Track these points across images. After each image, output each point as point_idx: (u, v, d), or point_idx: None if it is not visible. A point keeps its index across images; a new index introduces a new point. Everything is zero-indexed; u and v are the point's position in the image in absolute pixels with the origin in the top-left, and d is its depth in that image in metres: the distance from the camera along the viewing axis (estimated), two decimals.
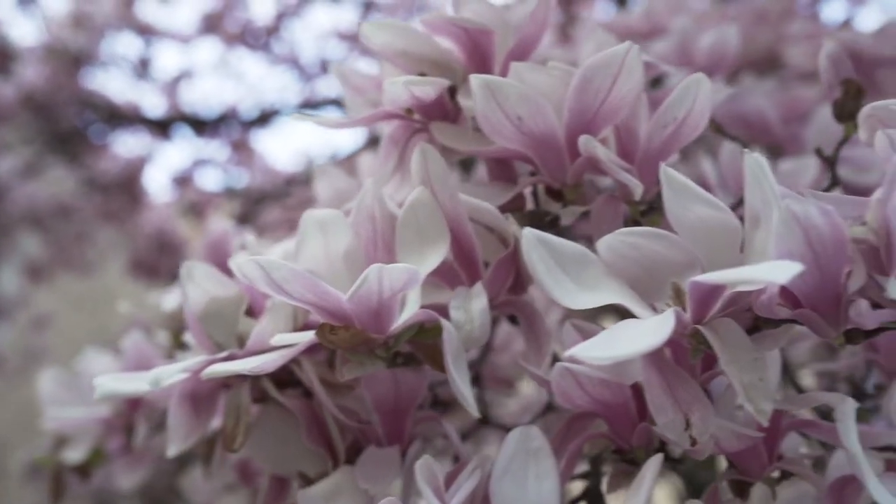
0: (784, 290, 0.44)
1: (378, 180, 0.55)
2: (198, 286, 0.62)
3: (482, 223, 0.56)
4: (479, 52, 0.61)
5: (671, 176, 0.45)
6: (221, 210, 3.38)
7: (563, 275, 0.49)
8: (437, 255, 0.53)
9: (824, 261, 0.41)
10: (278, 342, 0.51)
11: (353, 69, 0.70)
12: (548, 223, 0.58)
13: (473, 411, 0.49)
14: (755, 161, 0.42)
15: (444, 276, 0.57)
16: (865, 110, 0.48)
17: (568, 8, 1.54)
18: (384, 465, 0.56)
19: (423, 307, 0.55)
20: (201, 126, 3.37)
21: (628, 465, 0.53)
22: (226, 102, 3.45)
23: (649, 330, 0.42)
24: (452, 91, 0.59)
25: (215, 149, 3.57)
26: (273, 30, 3.51)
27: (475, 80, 0.52)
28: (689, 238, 0.47)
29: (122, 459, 0.92)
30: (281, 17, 3.53)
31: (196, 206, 3.48)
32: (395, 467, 0.56)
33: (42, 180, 3.23)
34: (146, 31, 2.85)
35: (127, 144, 3.43)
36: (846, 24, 3.35)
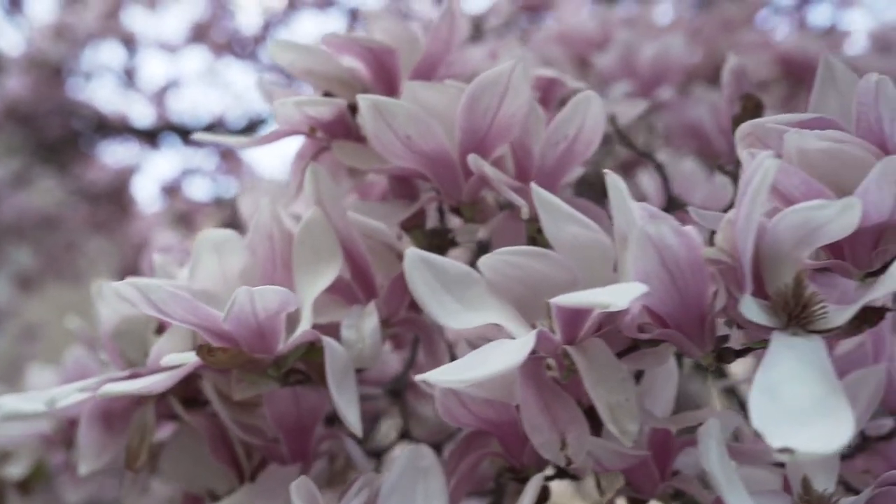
0: (651, 311, 0.44)
1: (274, 199, 0.56)
2: (109, 305, 0.62)
3: (378, 241, 0.56)
4: (384, 70, 0.61)
5: (542, 196, 0.45)
6: (210, 219, 3.39)
7: (447, 294, 0.49)
8: (330, 273, 0.54)
9: (682, 281, 0.41)
10: (166, 363, 0.51)
11: (275, 83, 0.70)
12: (449, 241, 0.58)
13: (356, 431, 0.49)
14: (613, 182, 0.42)
15: (343, 294, 0.58)
16: (743, 128, 0.48)
17: (535, 13, 1.54)
18: (283, 483, 0.56)
19: (323, 325, 0.56)
20: (189, 135, 3.38)
21: (521, 483, 0.53)
22: (213, 112, 3.46)
23: (508, 352, 0.42)
24: (355, 109, 0.60)
25: (203, 158, 3.58)
26: (260, 39, 3.52)
27: (362, 100, 0.52)
28: (567, 257, 0.48)
29: (67, 475, 0.93)
30: (268, 25, 3.54)
31: (185, 216, 3.48)
32: None
33: (31, 190, 3.25)
34: (131, 41, 2.85)
35: (115, 154, 3.45)
36: (831, 29, 3.36)
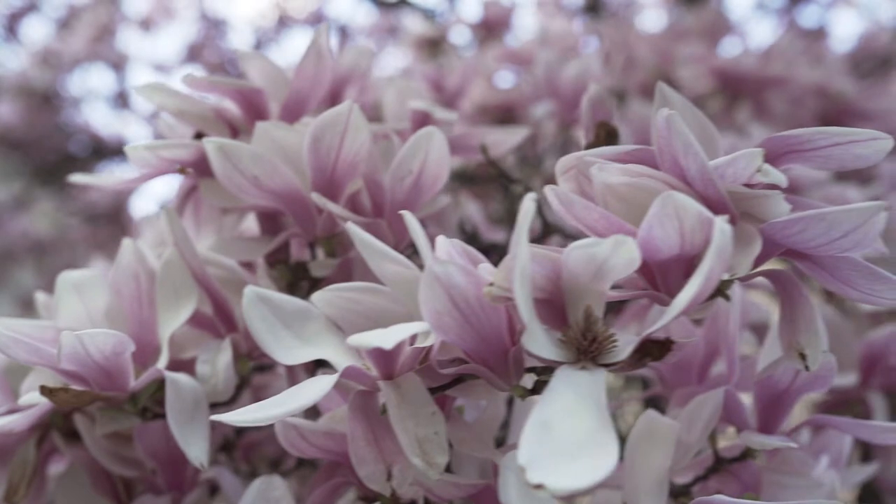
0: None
1: (136, 240, 0.57)
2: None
3: (236, 277, 0.57)
4: (253, 108, 0.63)
5: (357, 235, 0.47)
6: None
7: (285, 330, 0.50)
8: (186, 311, 0.56)
9: (475, 318, 0.42)
10: (23, 402, 0.53)
11: (168, 122, 0.72)
12: (308, 275, 0.59)
13: (196, 463, 0.50)
14: (410, 220, 0.43)
15: (211, 329, 0.59)
16: (566, 160, 0.49)
17: (488, 35, 1.55)
18: None
19: (188, 360, 0.58)
20: None
21: None
22: None
23: (307, 391, 0.43)
24: None
25: None
26: None
27: (208, 143, 0.54)
28: (396, 292, 0.49)
29: None
30: (259, 44, 3.59)
31: None
32: None
33: (32, 213, 3.31)
34: (120, 64, 2.90)
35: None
36: (820, 31, 3.34)
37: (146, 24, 3.51)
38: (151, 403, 0.55)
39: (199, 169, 0.61)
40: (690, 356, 0.63)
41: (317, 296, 0.51)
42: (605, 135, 0.59)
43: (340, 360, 0.48)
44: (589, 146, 0.60)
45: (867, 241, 0.42)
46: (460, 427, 0.51)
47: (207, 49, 3.57)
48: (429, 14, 2.74)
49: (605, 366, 0.42)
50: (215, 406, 0.55)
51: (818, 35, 3.37)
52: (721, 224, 0.38)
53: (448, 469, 0.53)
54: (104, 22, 2.76)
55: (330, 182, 0.56)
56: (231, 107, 0.63)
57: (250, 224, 0.67)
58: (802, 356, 0.47)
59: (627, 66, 1.34)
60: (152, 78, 3.89)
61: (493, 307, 0.42)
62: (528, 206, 0.39)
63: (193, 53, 3.57)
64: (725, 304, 0.60)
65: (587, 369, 0.41)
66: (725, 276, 0.43)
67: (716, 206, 0.45)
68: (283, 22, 3.62)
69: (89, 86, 2.84)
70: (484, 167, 0.84)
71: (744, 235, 0.45)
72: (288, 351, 0.49)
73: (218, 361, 0.55)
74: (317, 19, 3.62)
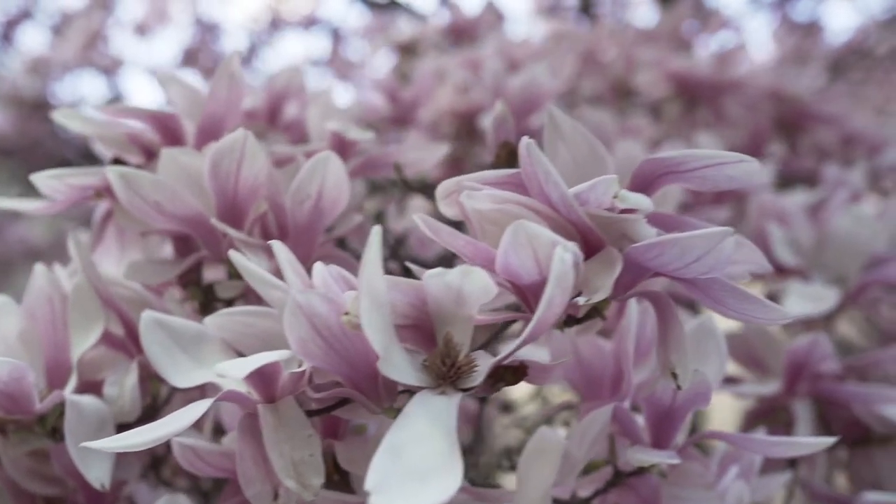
0: None
1: (45, 265, 0.59)
2: None
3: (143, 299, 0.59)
4: (170, 132, 0.64)
5: (238, 262, 0.48)
6: None
7: (182, 354, 0.52)
8: (94, 334, 0.57)
9: (339, 345, 0.43)
10: None
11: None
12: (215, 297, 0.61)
13: (96, 485, 0.52)
14: (278, 250, 0.45)
15: (124, 350, 0.61)
16: (445, 185, 0.50)
17: (458, 40, 1.56)
18: None
19: (102, 381, 0.59)
20: None
21: None
22: None
23: (183, 416, 0.45)
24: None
25: None
26: (246, 60, 3.58)
27: (110, 172, 0.56)
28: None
29: None
30: (254, 47, 3.61)
31: None
32: None
33: (28, 219, 3.35)
34: (112, 70, 2.93)
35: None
36: (812, 26, 3.32)
37: (142, 29, 3.54)
38: (61, 424, 0.56)
39: (111, 194, 0.62)
40: (601, 371, 0.64)
41: (210, 320, 0.52)
42: (507, 155, 0.60)
43: (225, 383, 0.49)
44: (491, 167, 0.61)
45: (719, 264, 0.43)
46: (352, 447, 0.53)
47: (203, 53, 3.59)
48: (419, 16, 2.76)
49: (464, 390, 0.43)
50: (124, 426, 0.56)
51: (811, 29, 3.35)
52: (560, 253, 0.39)
53: (348, 486, 0.55)
54: (95, 29, 2.78)
55: (233, 206, 0.57)
56: (147, 131, 0.65)
57: None
58: (674, 375, 0.48)
59: (592, 71, 1.35)
60: (147, 82, 3.92)
61: (357, 334, 0.44)
62: (373, 239, 0.40)
63: (189, 58, 3.60)
64: (631, 320, 0.62)
65: (446, 394, 0.42)
66: (583, 300, 0.44)
67: (582, 231, 0.47)
68: (276, 25, 3.63)
69: (80, 92, 2.87)
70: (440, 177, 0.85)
71: (606, 259, 0.46)
72: (183, 374, 0.51)
73: (125, 382, 0.56)
74: (310, 22, 3.64)
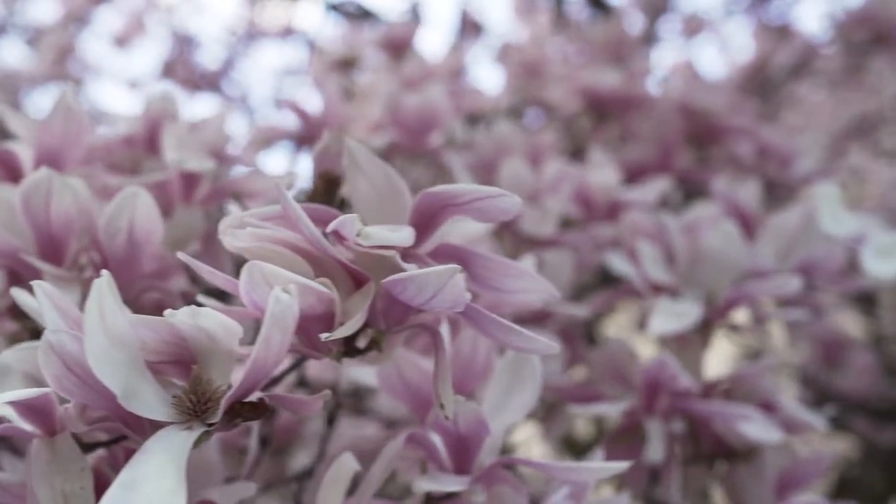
0: None
1: None
2: None
3: None
4: (7, 166, 0.66)
5: (18, 297, 0.50)
6: None
7: None
8: None
9: (92, 381, 0.45)
10: None
11: None
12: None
13: None
14: (39, 287, 0.46)
15: None
16: (227, 221, 0.52)
17: (397, 53, 1.57)
18: None
19: None
20: None
21: None
22: None
23: None
24: None
25: None
26: (223, 72, 3.61)
27: None
28: None
29: None
30: (231, 59, 3.63)
31: None
32: None
33: None
34: (82, 83, 2.96)
35: None
36: (784, 27, 3.32)
37: (121, 41, 3.57)
38: None
39: None
40: (428, 393, 0.65)
41: (7, 355, 0.54)
42: (324, 185, 0.61)
43: (11, 415, 0.51)
44: (310, 198, 0.62)
45: (455, 299, 0.45)
46: None
47: (180, 65, 3.62)
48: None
49: (209, 426, 0.44)
50: None
51: (784, 31, 3.35)
52: (276, 293, 0.41)
53: None
54: (65, 43, 2.81)
55: (50, 240, 0.59)
56: None
57: None
58: (442, 405, 0.49)
59: (533, 86, 1.36)
60: (125, 94, 3.95)
61: None
62: (100, 283, 0.41)
63: (168, 70, 3.63)
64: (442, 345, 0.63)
65: (192, 429, 0.44)
66: (329, 336, 0.45)
67: (344, 267, 0.48)
68: (253, 36, 3.66)
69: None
70: None
71: (364, 293, 0.47)
72: None
73: None
74: (287, 32, 3.66)
